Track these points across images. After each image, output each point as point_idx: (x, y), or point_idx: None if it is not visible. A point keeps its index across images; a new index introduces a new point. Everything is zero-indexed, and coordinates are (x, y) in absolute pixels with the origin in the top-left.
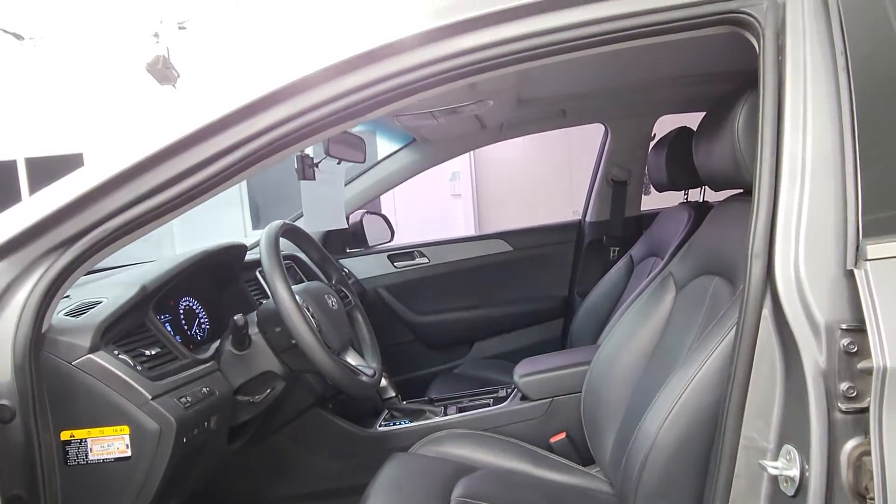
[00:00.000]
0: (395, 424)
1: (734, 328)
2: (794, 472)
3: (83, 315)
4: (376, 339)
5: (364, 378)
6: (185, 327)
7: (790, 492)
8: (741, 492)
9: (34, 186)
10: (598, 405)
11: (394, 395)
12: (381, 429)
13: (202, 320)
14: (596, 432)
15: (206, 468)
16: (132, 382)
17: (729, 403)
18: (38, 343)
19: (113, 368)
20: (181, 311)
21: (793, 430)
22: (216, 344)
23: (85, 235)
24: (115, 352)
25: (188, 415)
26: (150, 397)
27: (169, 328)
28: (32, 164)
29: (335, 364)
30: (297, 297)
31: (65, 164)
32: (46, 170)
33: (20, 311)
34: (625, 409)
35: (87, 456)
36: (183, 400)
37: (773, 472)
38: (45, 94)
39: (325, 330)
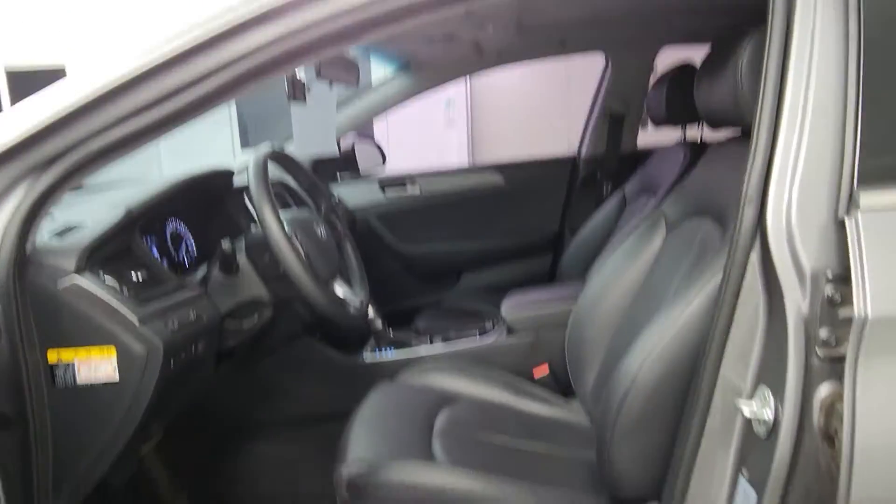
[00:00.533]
0: (381, 354)
1: (721, 271)
2: (768, 414)
3: (68, 237)
4: (365, 268)
5: (351, 309)
6: (172, 251)
7: (762, 431)
8: (715, 429)
9: (15, 98)
10: (582, 340)
11: (381, 325)
12: (367, 358)
13: (189, 245)
14: (578, 367)
15: (193, 392)
16: (118, 307)
17: (710, 344)
18: (21, 264)
19: (99, 292)
20: (167, 235)
21: (770, 374)
22: (204, 268)
23: (66, 155)
24: (101, 275)
25: (175, 339)
26: (136, 321)
27: (155, 252)
28: (14, 76)
29: (322, 294)
30: (285, 225)
31: (47, 78)
32: (28, 82)
33: (2, 231)
34: (607, 346)
35: (74, 378)
36: (170, 324)
37: (748, 412)
38: (27, 1)
39: (314, 259)
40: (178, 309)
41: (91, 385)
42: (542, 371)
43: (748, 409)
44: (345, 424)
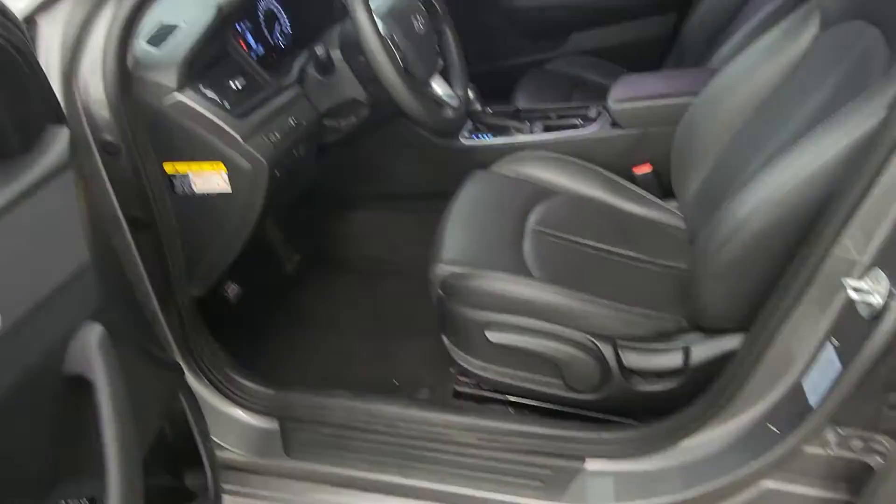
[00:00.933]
0: (478, 138)
1: (873, 118)
2: (876, 299)
3: (164, 45)
4: (464, 24)
5: (448, 112)
6: (267, 33)
7: (866, 312)
8: (813, 298)
9: None
10: (693, 144)
11: (480, 108)
12: (464, 141)
13: (284, 25)
14: (683, 170)
15: (299, 186)
16: (222, 124)
17: (837, 208)
18: (126, 81)
19: (202, 110)
20: (261, 15)
21: (892, 257)
22: (300, 62)
23: None
24: (202, 88)
25: (278, 152)
26: (241, 139)
27: (250, 38)
28: None
29: (419, 105)
30: (380, 25)
31: None
32: None
33: (103, 49)
34: (719, 154)
35: (191, 187)
36: (272, 137)
37: (853, 294)
38: None
39: (410, 61)
40: (278, 117)
41: (207, 194)
42: (643, 170)
43: (855, 290)
44: (440, 203)
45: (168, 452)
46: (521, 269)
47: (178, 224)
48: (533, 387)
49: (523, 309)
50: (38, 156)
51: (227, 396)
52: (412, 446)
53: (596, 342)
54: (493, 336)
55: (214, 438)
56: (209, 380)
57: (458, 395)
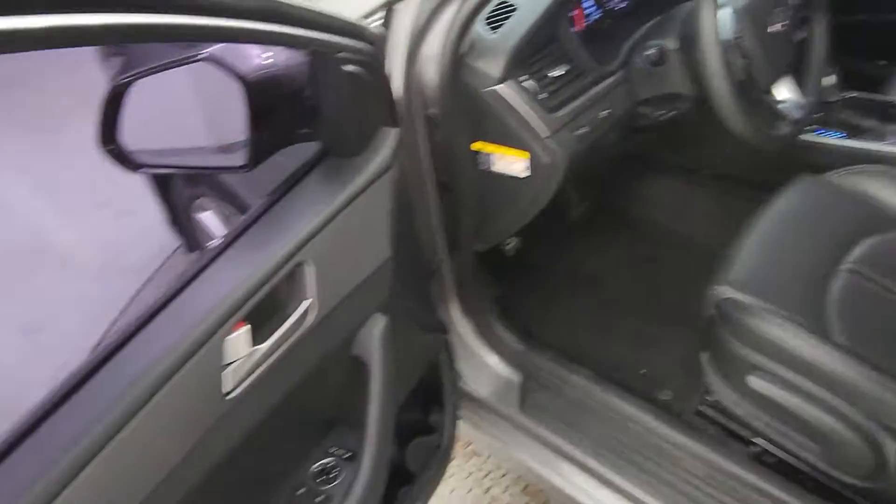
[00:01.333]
0: (822, 134)
1: None
2: None
3: (498, 30)
4: None
5: (783, 128)
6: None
7: None
8: None
9: None
10: None
11: (838, 98)
12: (804, 137)
13: None
14: None
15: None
16: (531, 120)
17: None
18: (456, 66)
19: (515, 104)
20: None
21: None
22: (630, 43)
23: None
24: (521, 80)
25: (582, 146)
26: (547, 135)
27: (593, 4)
28: None
29: (747, 125)
30: (731, 23)
31: None
32: None
33: (444, 36)
34: None
35: (491, 166)
36: (579, 133)
37: None
38: None
39: (756, 66)
40: (591, 108)
41: (503, 174)
42: None
43: None
44: (750, 191)
45: (422, 393)
46: (816, 320)
47: (475, 193)
48: (785, 443)
49: (803, 369)
50: (370, 156)
51: (484, 341)
52: (636, 450)
53: (880, 432)
54: (757, 383)
55: (464, 374)
56: (474, 323)
57: (700, 414)
